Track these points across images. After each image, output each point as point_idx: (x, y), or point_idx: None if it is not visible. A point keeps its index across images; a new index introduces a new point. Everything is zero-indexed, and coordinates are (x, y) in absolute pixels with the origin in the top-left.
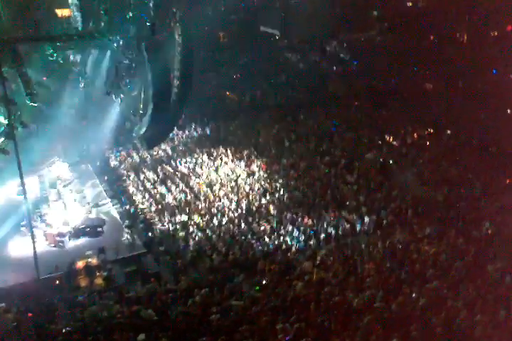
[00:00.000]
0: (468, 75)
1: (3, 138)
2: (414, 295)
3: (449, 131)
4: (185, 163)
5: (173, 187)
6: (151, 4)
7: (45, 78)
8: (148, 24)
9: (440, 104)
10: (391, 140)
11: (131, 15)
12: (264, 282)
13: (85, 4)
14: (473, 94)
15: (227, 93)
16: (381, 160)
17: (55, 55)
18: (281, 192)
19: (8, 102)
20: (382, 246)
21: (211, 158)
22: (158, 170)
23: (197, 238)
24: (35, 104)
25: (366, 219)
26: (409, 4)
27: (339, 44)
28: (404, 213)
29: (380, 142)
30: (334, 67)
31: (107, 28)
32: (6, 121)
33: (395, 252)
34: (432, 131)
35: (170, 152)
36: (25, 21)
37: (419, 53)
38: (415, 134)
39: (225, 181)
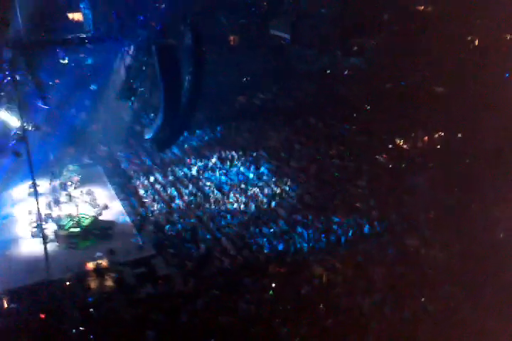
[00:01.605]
0: (480, 79)
1: (15, 141)
2: (423, 299)
3: (460, 135)
4: (195, 165)
5: (183, 190)
6: (162, 8)
7: (57, 81)
8: (159, 28)
9: (451, 108)
10: (402, 143)
11: (142, 19)
12: (273, 285)
13: (97, 8)
14: (485, 97)
15: (238, 96)
16: (392, 163)
17: (67, 58)
18: (291, 195)
19: (21, 105)
20: (392, 250)
21: (221, 160)
22: (169, 172)
23: (207, 240)
24: (47, 107)
25: (376, 222)
26: (421, 8)
27: (349, 47)
28: (415, 217)
29: (390, 146)
30: (345, 71)
31: (118, 32)
32: (18, 124)
33: (405, 256)
34: (442, 134)
35: (180, 154)
36: (38, 25)
37: (430, 56)
38: (426, 138)
39: (235, 183)
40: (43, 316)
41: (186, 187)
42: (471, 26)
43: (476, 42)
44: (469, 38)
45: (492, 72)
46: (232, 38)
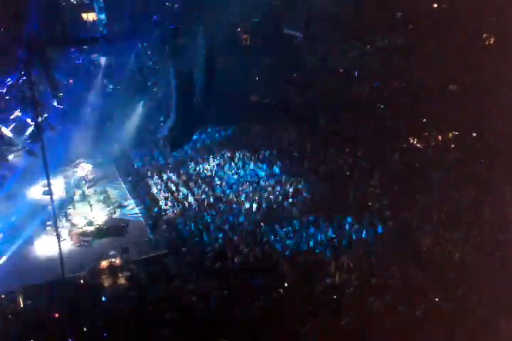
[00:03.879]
0: (495, 77)
1: (30, 140)
2: (437, 299)
3: (474, 134)
4: (208, 164)
5: (195, 189)
6: (175, 8)
7: (71, 81)
8: (172, 27)
9: (466, 107)
10: (415, 142)
11: (155, 18)
12: (285, 284)
13: (111, 8)
14: (500, 96)
15: (250, 95)
16: (405, 162)
17: (81, 57)
18: (304, 194)
19: (36, 104)
20: (406, 249)
21: (233, 159)
22: (181, 171)
23: (219, 239)
24: (62, 106)
25: (389, 222)
26: (435, 6)
27: (363, 46)
28: (429, 217)
29: (404, 145)
30: (358, 70)
31: (131, 32)
32: (33, 123)
33: (419, 255)
34: (457, 133)
35: (193, 153)
36: (53, 25)
37: (444, 56)
38: (440, 137)
39: (248, 183)
40: (57, 314)
41: (199, 186)
42: (487, 24)
43: (492, 41)
44: (484, 36)
45: (507, 70)
46: (244, 36)
